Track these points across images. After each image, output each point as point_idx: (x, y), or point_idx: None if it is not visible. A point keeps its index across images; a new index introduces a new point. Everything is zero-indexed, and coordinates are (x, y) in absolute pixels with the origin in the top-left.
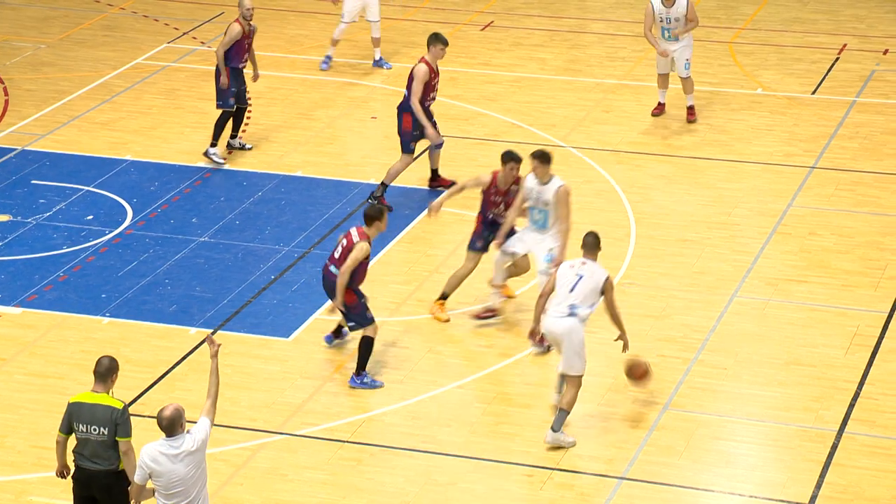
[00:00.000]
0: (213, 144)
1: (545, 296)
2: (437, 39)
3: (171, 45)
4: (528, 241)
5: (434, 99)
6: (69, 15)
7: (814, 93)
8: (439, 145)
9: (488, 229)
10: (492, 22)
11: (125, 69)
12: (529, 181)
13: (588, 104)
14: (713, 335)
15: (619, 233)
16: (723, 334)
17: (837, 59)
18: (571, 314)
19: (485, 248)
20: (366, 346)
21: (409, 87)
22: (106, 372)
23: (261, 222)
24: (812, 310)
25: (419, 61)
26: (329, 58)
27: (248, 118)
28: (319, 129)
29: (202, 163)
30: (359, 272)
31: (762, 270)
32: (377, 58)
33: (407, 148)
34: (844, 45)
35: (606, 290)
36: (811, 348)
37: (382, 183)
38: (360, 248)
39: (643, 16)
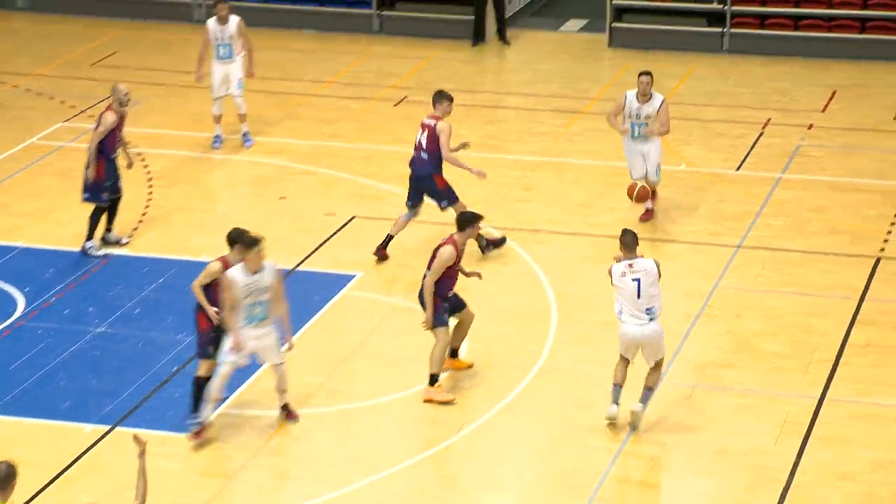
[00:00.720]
0: (89, 238)
1: None
2: (441, 96)
3: (67, 124)
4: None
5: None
6: None
7: (738, 169)
8: (415, 213)
9: (448, 301)
10: (405, 97)
11: (17, 150)
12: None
13: (507, 181)
14: (639, 423)
15: (539, 316)
16: (649, 422)
17: (761, 134)
18: (651, 319)
19: (452, 313)
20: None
21: (430, 147)
22: (4, 479)
23: (162, 310)
24: (741, 395)
25: (432, 118)
26: (218, 136)
27: (149, 200)
28: (224, 211)
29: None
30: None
31: (689, 354)
32: (242, 132)
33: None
34: (768, 120)
35: (659, 272)
36: (741, 436)
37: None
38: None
39: (562, 89)
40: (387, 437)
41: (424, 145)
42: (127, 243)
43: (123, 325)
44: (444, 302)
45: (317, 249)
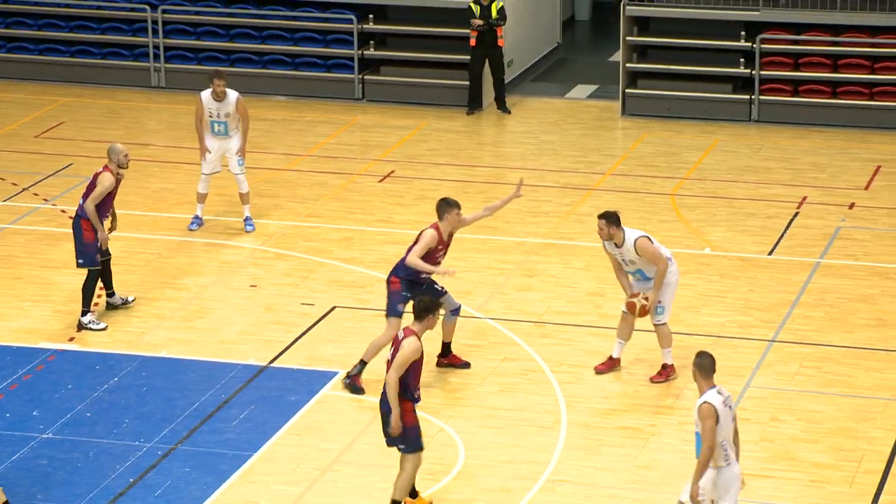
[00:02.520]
0: (85, 312)
1: None
2: (447, 204)
3: (8, 203)
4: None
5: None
6: None
7: (770, 253)
8: (456, 311)
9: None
10: (392, 172)
11: None
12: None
13: (508, 267)
14: None
15: (547, 420)
16: None
17: (797, 213)
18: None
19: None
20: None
21: (409, 249)
22: None
23: (117, 414)
24: None
25: (430, 226)
26: (198, 217)
27: (101, 289)
28: (187, 301)
29: (45, 343)
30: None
31: None
32: (245, 216)
33: (394, 311)
34: (804, 198)
35: None
36: None
37: (361, 360)
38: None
39: (570, 163)
40: None
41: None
42: (134, 301)
43: (73, 431)
44: (414, 402)
45: (293, 343)
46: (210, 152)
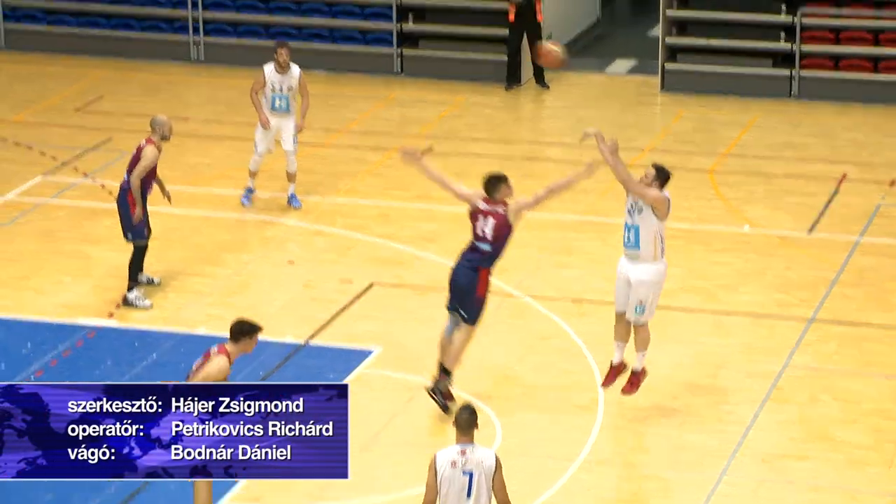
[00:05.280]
0: (132, 288)
1: None
2: (499, 181)
3: (48, 178)
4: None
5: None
6: None
7: (810, 231)
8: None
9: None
10: (430, 147)
11: None
12: None
13: (545, 244)
14: None
15: (583, 399)
16: None
17: (836, 191)
18: None
19: None
20: None
21: (484, 237)
22: None
23: None
24: (814, 490)
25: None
26: (250, 190)
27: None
28: (226, 277)
29: (83, 319)
30: None
31: (754, 444)
32: (290, 193)
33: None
34: (844, 175)
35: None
36: None
37: (445, 370)
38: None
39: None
40: None
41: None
42: (160, 282)
43: None
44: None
45: (331, 321)
46: (269, 127)
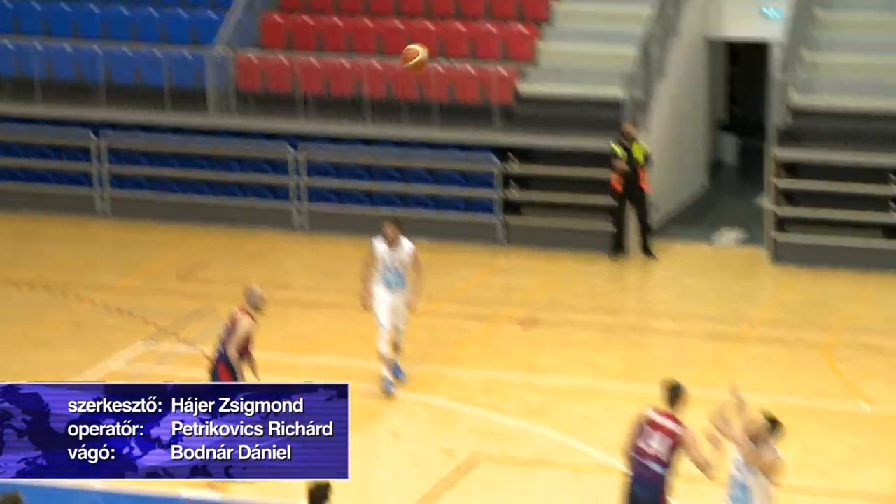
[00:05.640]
0: None
1: None
2: (680, 391)
3: (150, 346)
4: None
5: None
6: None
7: None
8: None
9: None
10: (535, 318)
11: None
12: None
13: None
14: None
15: None
16: None
17: None
18: None
19: None
20: None
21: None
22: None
23: None
24: None
25: (666, 417)
26: (398, 368)
27: None
28: None
29: (185, 490)
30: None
31: None
32: (394, 364)
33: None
34: None
35: None
36: None
37: None
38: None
39: (715, 310)
40: None
41: (663, 455)
42: None
43: None
44: None
45: (433, 494)
46: (375, 302)
